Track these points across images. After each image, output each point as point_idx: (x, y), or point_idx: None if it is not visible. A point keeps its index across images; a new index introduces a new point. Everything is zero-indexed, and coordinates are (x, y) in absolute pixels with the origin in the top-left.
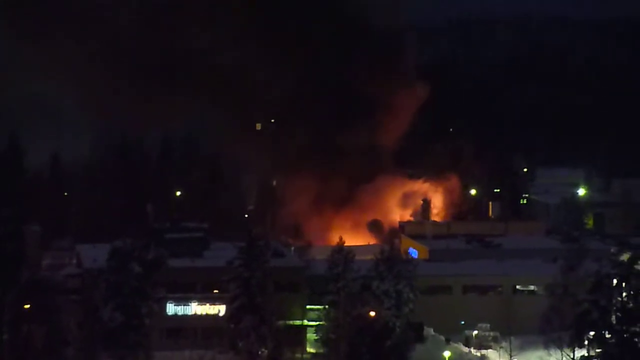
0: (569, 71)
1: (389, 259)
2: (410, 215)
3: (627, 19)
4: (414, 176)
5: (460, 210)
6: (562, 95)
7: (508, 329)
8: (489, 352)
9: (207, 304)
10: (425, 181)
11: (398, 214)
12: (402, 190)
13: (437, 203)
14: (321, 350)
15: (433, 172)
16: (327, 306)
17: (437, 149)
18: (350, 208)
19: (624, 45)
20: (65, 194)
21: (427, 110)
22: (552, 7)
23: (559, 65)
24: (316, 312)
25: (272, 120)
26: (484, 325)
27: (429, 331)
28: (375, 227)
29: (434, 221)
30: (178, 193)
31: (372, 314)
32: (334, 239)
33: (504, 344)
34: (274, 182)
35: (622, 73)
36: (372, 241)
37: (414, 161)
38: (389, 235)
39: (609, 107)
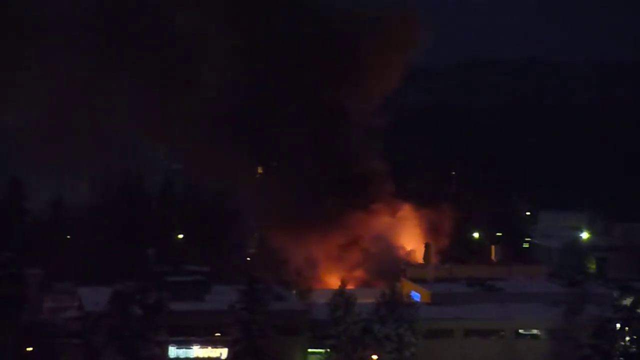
0: (572, 115)
1: (390, 302)
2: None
3: (634, 62)
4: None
5: (461, 253)
6: (565, 139)
7: None
8: None
9: (209, 347)
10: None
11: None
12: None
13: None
14: None
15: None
16: (328, 350)
17: (438, 192)
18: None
19: (628, 88)
20: (67, 237)
21: (428, 151)
22: (556, 51)
23: (561, 109)
24: (317, 356)
25: (275, 164)
26: None
27: None
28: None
29: (436, 264)
30: (180, 236)
31: (374, 358)
32: (332, 279)
33: None
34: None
35: (625, 117)
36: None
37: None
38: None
39: (611, 151)
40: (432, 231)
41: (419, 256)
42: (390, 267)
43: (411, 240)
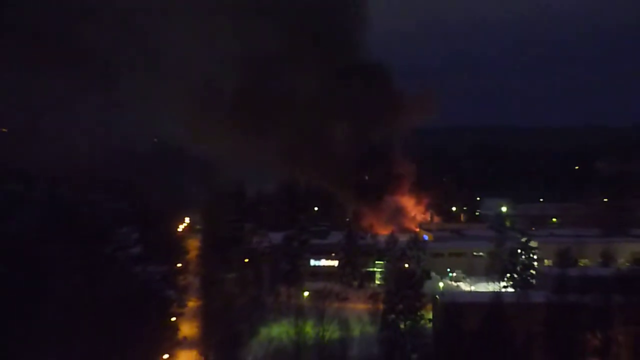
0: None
1: (414, 240)
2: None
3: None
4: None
5: (449, 218)
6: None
7: (470, 273)
8: (461, 284)
9: (329, 261)
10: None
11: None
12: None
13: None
14: (383, 283)
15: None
16: (385, 262)
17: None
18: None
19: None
20: (263, 209)
21: (428, 173)
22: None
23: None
24: (380, 265)
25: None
26: (458, 271)
27: (433, 274)
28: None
29: (436, 222)
30: (315, 208)
31: (406, 266)
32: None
33: (468, 280)
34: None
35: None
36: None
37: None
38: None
39: (517, 169)
40: (430, 206)
41: (411, 210)
42: (396, 215)
43: (411, 207)
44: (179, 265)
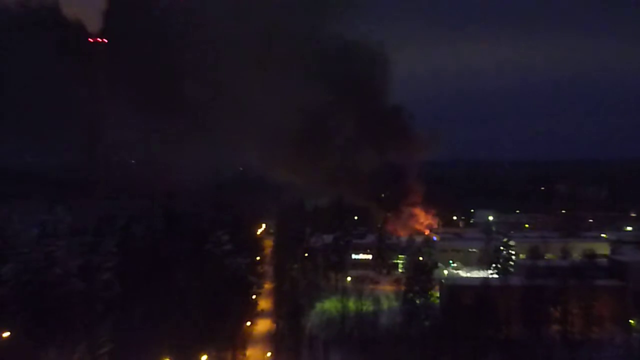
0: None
1: (426, 240)
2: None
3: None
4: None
5: (450, 224)
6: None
7: (466, 264)
8: (460, 272)
9: (366, 255)
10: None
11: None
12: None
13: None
14: (404, 271)
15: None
16: (405, 256)
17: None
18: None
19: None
20: (315, 218)
21: (435, 191)
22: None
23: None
24: (402, 258)
25: (382, 195)
26: (458, 262)
27: (440, 265)
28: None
29: (441, 227)
30: (355, 217)
31: (420, 259)
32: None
33: (465, 269)
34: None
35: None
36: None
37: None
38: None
39: (500, 189)
40: (436, 215)
41: (422, 218)
42: (408, 221)
43: (423, 216)
44: (258, 258)
